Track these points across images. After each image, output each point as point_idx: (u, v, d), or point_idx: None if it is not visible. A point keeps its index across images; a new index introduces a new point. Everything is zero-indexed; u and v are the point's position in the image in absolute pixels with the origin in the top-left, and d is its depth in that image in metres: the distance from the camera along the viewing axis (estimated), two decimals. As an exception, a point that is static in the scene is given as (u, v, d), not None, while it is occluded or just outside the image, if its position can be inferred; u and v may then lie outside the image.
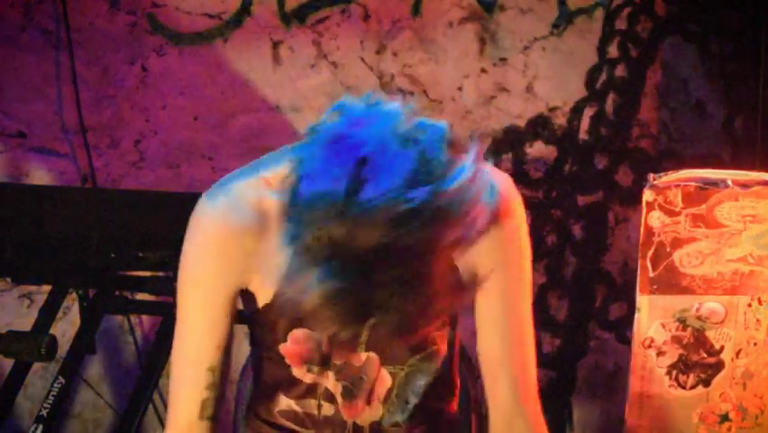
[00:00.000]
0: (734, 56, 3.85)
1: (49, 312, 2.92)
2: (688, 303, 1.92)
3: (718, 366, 1.94)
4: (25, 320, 3.38)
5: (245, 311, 1.81)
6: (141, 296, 3.15)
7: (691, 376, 1.94)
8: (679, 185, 1.86)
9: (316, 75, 3.64)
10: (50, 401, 2.76)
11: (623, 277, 3.79)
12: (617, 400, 3.71)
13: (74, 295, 3.19)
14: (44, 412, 2.75)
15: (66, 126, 3.55)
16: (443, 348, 1.77)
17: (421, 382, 1.77)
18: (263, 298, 1.74)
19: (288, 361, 1.77)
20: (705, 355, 1.93)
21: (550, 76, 3.81)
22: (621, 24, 3.82)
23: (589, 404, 3.71)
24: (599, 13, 3.82)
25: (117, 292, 3.02)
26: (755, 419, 1.93)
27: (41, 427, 2.74)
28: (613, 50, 3.83)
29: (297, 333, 1.74)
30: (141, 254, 2.84)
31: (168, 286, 2.82)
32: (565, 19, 3.78)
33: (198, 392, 1.76)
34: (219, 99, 3.63)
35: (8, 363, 2.93)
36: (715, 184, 1.88)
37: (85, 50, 3.53)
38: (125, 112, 3.58)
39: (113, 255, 2.80)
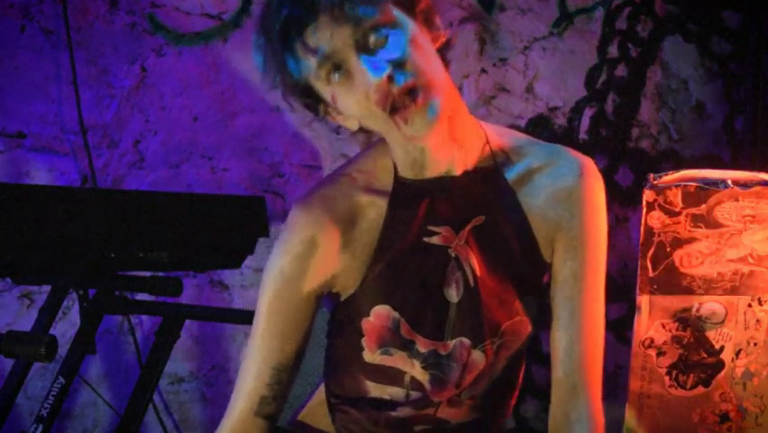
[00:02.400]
0: (734, 56, 3.85)
1: (49, 312, 2.92)
2: (688, 303, 1.92)
3: (718, 366, 1.94)
4: (25, 320, 3.38)
5: (325, 307, 1.81)
6: (141, 296, 3.15)
7: (691, 376, 1.94)
8: (679, 185, 1.86)
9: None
10: (50, 401, 2.76)
11: (623, 277, 3.79)
12: (616, 400, 3.71)
13: (74, 295, 3.19)
14: (44, 412, 2.76)
15: (66, 126, 3.55)
16: (527, 319, 1.76)
17: (507, 353, 1.77)
18: (349, 290, 1.73)
19: (364, 342, 1.74)
20: (705, 355, 1.93)
21: (550, 76, 3.81)
22: (621, 24, 3.83)
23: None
24: (599, 13, 3.83)
25: (117, 292, 3.02)
26: (755, 418, 1.93)
27: (41, 427, 2.74)
28: (613, 50, 3.83)
29: (381, 309, 1.71)
30: (141, 254, 2.85)
31: (168, 286, 2.82)
32: (565, 19, 3.78)
33: (260, 388, 1.73)
34: (219, 99, 3.63)
35: (8, 363, 2.93)
36: (715, 184, 1.88)
37: (85, 50, 3.53)
38: (125, 112, 3.58)
39: (113, 255, 2.80)
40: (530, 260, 1.74)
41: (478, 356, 1.74)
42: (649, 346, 1.94)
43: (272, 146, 3.67)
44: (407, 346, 1.72)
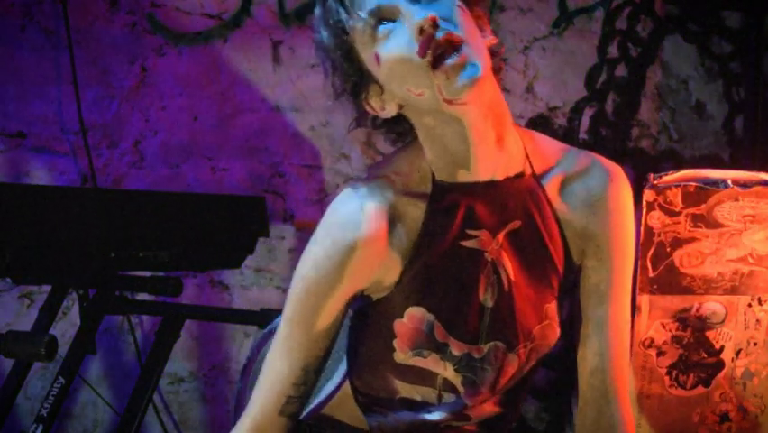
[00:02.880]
0: (734, 56, 3.85)
1: (49, 312, 2.92)
2: (688, 303, 1.92)
3: (718, 366, 1.94)
4: (25, 320, 3.38)
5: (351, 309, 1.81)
6: (141, 296, 3.15)
7: (691, 376, 1.94)
8: (679, 185, 1.86)
9: (316, 75, 3.64)
10: (50, 401, 2.76)
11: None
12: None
13: (74, 295, 3.19)
14: (44, 412, 2.75)
15: (66, 126, 3.55)
16: (557, 323, 1.77)
17: (536, 357, 1.77)
18: (382, 291, 1.72)
19: (396, 343, 1.73)
20: (705, 355, 1.93)
21: (550, 76, 3.81)
22: (621, 24, 3.82)
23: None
24: (599, 13, 3.83)
25: (117, 292, 3.02)
26: (755, 418, 1.93)
27: (41, 427, 2.74)
28: (613, 50, 3.83)
29: (415, 311, 1.71)
30: (141, 254, 2.84)
31: (168, 286, 2.82)
32: (565, 19, 3.78)
33: (287, 388, 1.73)
34: (219, 99, 3.63)
35: (8, 363, 2.93)
36: (715, 184, 1.88)
37: (85, 50, 3.53)
38: (125, 112, 3.58)
39: (113, 255, 2.80)
40: (561, 265, 1.75)
41: (511, 360, 1.75)
42: (649, 346, 1.94)
43: (272, 146, 3.67)
44: (441, 349, 1.72)
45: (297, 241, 3.69)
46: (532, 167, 1.74)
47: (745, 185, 1.86)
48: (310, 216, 3.70)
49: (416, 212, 1.70)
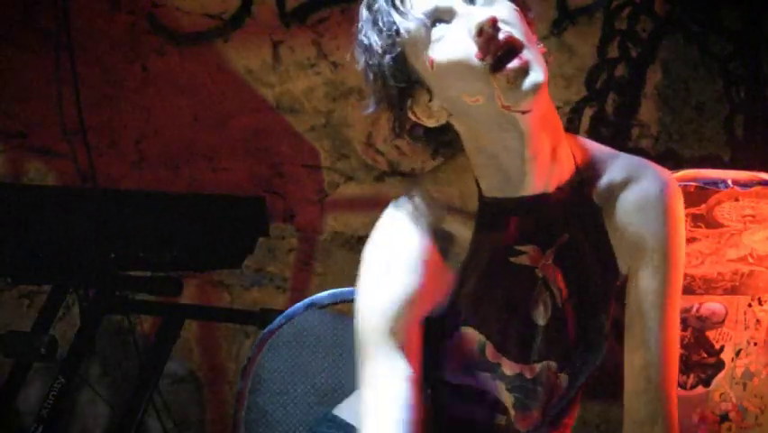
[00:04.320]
0: (734, 56, 3.85)
1: (49, 312, 2.92)
2: (688, 303, 1.92)
3: (718, 366, 1.94)
4: (25, 320, 3.38)
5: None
6: (141, 296, 3.15)
7: (691, 376, 1.94)
8: (679, 185, 1.86)
9: (316, 75, 3.64)
10: (50, 401, 2.76)
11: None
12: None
13: (74, 295, 3.19)
14: (44, 412, 2.75)
15: (66, 126, 3.54)
16: (603, 337, 1.72)
17: (586, 373, 1.74)
18: (434, 311, 1.66)
19: (446, 362, 1.68)
20: (705, 355, 1.93)
21: (550, 76, 3.80)
22: (621, 24, 3.82)
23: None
24: (599, 14, 3.82)
25: (117, 292, 3.02)
26: (755, 418, 1.93)
27: (41, 427, 2.74)
28: (613, 50, 3.83)
29: (467, 331, 1.66)
30: (141, 254, 2.85)
31: (168, 286, 2.82)
32: (565, 19, 3.78)
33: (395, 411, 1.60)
34: (219, 99, 3.63)
35: (8, 363, 2.93)
36: (715, 184, 1.88)
37: (85, 50, 3.53)
38: (125, 112, 3.58)
39: (113, 255, 2.80)
40: (610, 277, 1.69)
41: (563, 379, 1.71)
42: (649, 346, 1.94)
43: (272, 146, 3.67)
44: (493, 369, 1.68)
45: (297, 241, 3.69)
46: (581, 175, 1.66)
47: (745, 185, 1.86)
48: (310, 216, 3.70)
49: (464, 231, 1.63)
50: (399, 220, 1.64)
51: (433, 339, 1.66)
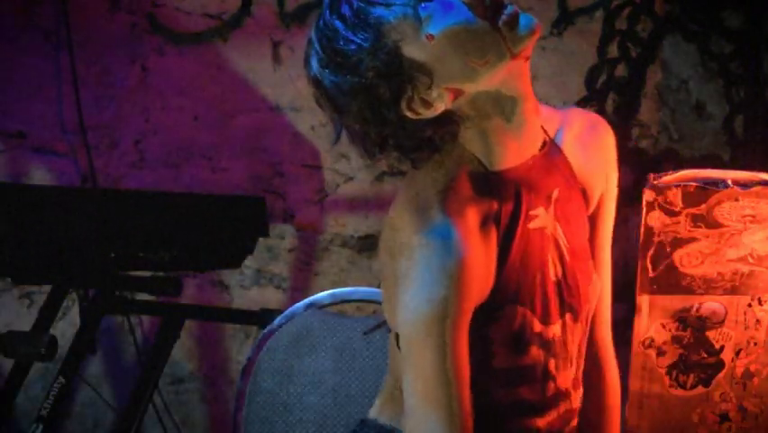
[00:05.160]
0: (734, 56, 3.85)
1: (49, 312, 2.92)
2: (688, 303, 1.92)
3: (718, 366, 1.93)
4: (25, 320, 3.38)
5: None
6: (141, 296, 3.15)
7: (691, 376, 1.94)
8: (679, 185, 1.86)
9: (316, 75, 3.64)
10: (50, 401, 2.76)
11: (623, 277, 3.79)
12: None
13: (74, 295, 3.19)
14: (44, 412, 2.76)
15: (66, 126, 3.55)
16: (596, 278, 1.80)
17: (589, 320, 1.80)
18: (481, 301, 1.65)
19: (494, 348, 1.67)
20: (705, 355, 1.93)
21: (550, 76, 3.81)
22: (621, 24, 3.82)
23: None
24: (599, 14, 3.83)
25: (117, 292, 3.02)
26: (755, 419, 1.93)
27: (41, 427, 2.74)
28: (613, 50, 3.83)
29: (511, 309, 1.66)
30: (141, 254, 2.85)
31: (168, 286, 2.82)
32: (565, 19, 3.78)
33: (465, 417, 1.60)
34: (219, 99, 3.63)
35: (8, 363, 2.93)
36: (715, 184, 1.87)
37: (85, 50, 3.53)
38: (125, 112, 3.58)
39: (113, 255, 2.80)
40: (584, 216, 1.78)
41: (579, 328, 1.75)
42: (649, 346, 1.94)
43: (272, 146, 3.67)
44: (537, 339, 1.69)
45: (297, 241, 3.69)
46: (546, 132, 1.72)
47: (745, 185, 1.85)
48: (310, 216, 3.70)
49: (491, 212, 1.64)
50: (437, 220, 1.60)
51: (476, 330, 1.64)
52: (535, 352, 1.70)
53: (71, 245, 2.75)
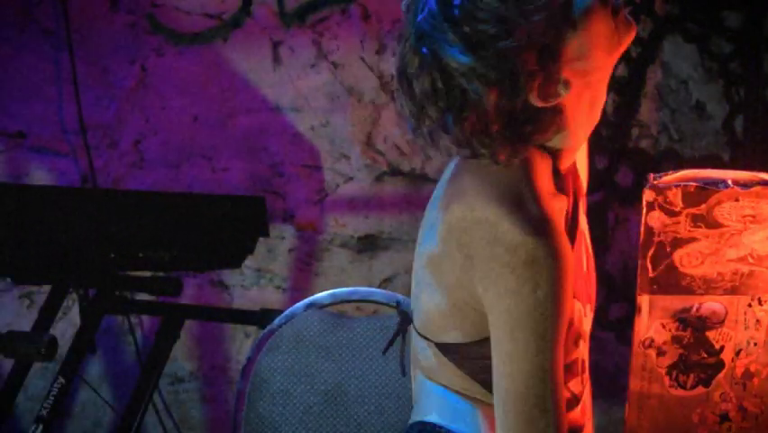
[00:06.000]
0: (734, 56, 3.85)
1: (49, 312, 2.92)
2: (688, 303, 1.92)
3: (718, 366, 1.93)
4: (25, 320, 3.38)
5: None
6: (141, 296, 3.15)
7: (691, 376, 1.94)
8: (679, 185, 1.86)
9: (316, 75, 3.64)
10: (50, 401, 2.76)
11: (623, 277, 3.79)
12: (617, 400, 3.72)
13: (74, 295, 3.19)
14: (44, 412, 2.76)
15: (66, 126, 3.55)
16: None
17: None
18: None
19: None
20: (705, 355, 1.93)
21: (550, 76, 3.81)
22: (621, 24, 3.82)
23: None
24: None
25: (117, 292, 3.02)
26: (755, 419, 1.93)
27: (41, 427, 2.74)
28: (613, 50, 3.82)
29: (574, 304, 1.66)
30: (141, 254, 2.85)
31: (168, 286, 2.82)
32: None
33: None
34: (219, 99, 3.63)
35: (8, 363, 2.93)
36: (715, 184, 1.87)
37: (85, 50, 3.53)
38: (125, 112, 3.58)
39: (113, 255, 2.80)
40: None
41: (590, 321, 1.77)
42: (649, 346, 1.94)
43: (272, 146, 3.67)
44: (584, 332, 1.72)
45: (297, 241, 3.69)
46: None
47: (745, 185, 1.85)
48: (310, 216, 3.70)
49: (562, 211, 1.64)
50: (540, 220, 1.56)
51: None
52: (582, 344, 1.72)
53: (71, 245, 2.75)
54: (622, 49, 1.61)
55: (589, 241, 1.76)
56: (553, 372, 1.57)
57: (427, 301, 1.65)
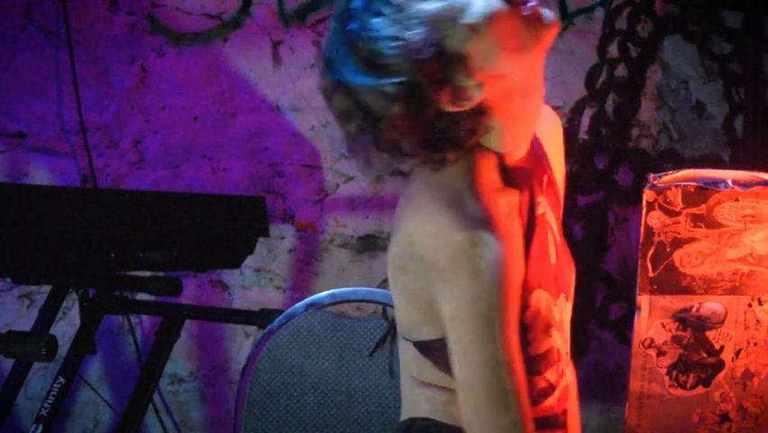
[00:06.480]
0: (734, 56, 3.85)
1: (49, 312, 2.92)
2: (688, 303, 1.92)
3: (718, 366, 1.93)
4: (25, 320, 3.38)
5: None
6: (141, 296, 3.15)
7: (691, 376, 1.94)
8: (679, 185, 1.86)
9: (316, 75, 3.63)
10: (50, 401, 2.76)
11: (623, 277, 3.79)
12: (617, 400, 3.71)
13: (74, 295, 3.19)
14: (44, 412, 2.76)
15: (66, 126, 3.55)
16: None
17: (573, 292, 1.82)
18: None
19: (530, 336, 1.68)
20: (705, 355, 1.93)
21: (550, 76, 3.80)
22: (621, 24, 3.82)
23: (589, 404, 3.71)
24: (599, 14, 3.83)
25: (117, 292, 3.02)
26: (755, 419, 1.93)
27: (40, 427, 2.74)
28: (613, 50, 3.83)
29: (538, 295, 1.68)
30: (141, 254, 2.85)
31: (168, 286, 2.82)
32: (565, 19, 3.78)
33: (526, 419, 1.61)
34: (219, 99, 3.63)
35: (8, 363, 2.93)
36: (715, 184, 1.88)
37: (85, 50, 3.53)
38: (125, 112, 3.58)
39: (113, 255, 2.80)
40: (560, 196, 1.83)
41: (570, 307, 1.78)
42: (649, 346, 1.94)
43: (272, 146, 3.67)
44: (554, 321, 1.72)
45: (297, 241, 3.69)
46: None
47: (745, 185, 1.86)
48: (310, 216, 3.70)
49: (514, 204, 1.67)
50: (478, 219, 1.60)
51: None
52: (555, 334, 1.73)
53: (71, 245, 2.75)
54: (543, 44, 1.62)
55: (558, 231, 1.77)
56: (508, 362, 1.59)
57: (399, 304, 1.69)
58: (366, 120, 1.61)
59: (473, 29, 1.57)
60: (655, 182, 1.91)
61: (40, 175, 3.52)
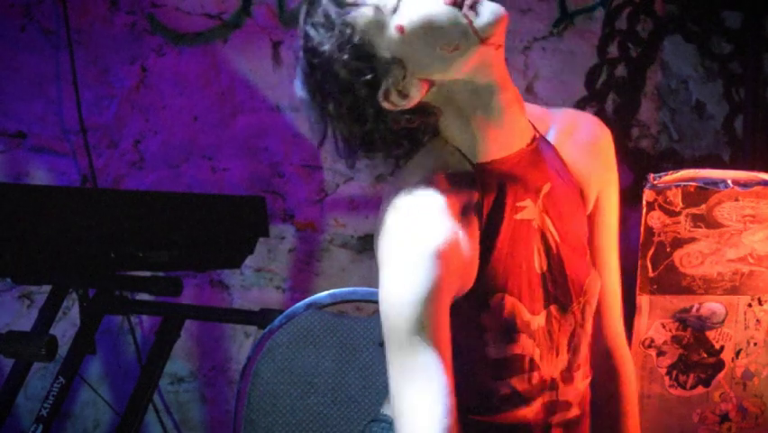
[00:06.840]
0: (734, 56, 3.85)
1: (49, 312, 2.92)
2: (688, 303, 1.92)
3: (718, 366, 1.94)
4: (25, 320, 3.38)
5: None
6: (141, 296, 3.15)
7: (691, 376, 1.94)
8: (679, 185, 1.87)
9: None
10: (50, 401, 2.76)
11: (623, 277, 3.79)
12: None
13: (74, 295, 3.19)
14: (44, 412, 2.75)
15: (66, 126, 3.55)
16: (596, 272, 1.81)
17: (590, 310, 1.79)
18: (465, 288, 1.68)
19: (487, 337, 1.70)
20: (705, 355, 1.93)
21: (550, 76, 3.81)
22: (621, 24, 3.83)
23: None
24: (599, 14, 3.83)
25: (117, 292, 3.02)
26: (755, 419, 1.93)
27: (41, 427, 2.74)
28: (613, 50, 3.83)
29: (499, 298, 1.69)
30: (141, 254, 2.84)
31: (168, 286, 2.82)
32: (565, 19, 3.78)
33: (443, 414, 1.58)
34: (219, 99, 3.63)
35: (8, 363, 2.93)
36: (715, 184, 1.88)
37: (85, 50, 3.53)
38: (125, 112, 3.58)
39: (113, 255, 2.80)
40: (582, 213, 1.80)
41: (568, 320, 1.76)
42: (649, 346, 1.94)
43: (272, 146, 3.67)
44: (526, 329, 1.71)
45: (297, 241, 3.69)
46: (536, 130, 1.74)
47: (745, 185, 1.86)
48: (310, 216, 3.70)
49: (471, 202, 1.67)
50: (413, 207, 1.63)
51: (468, 318, 1.67)
52: (525, 341, 1.72)
53: (71, 245, 2.75)
54: (490, 37, 1.61)
55: (560, 242, 1.75)
56: (426, 350, 1.58)
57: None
58: (318, 119, 1.81)
59: (403, 31, 1.61)
60: (655, 182, 1.91)
61: (40, 175, 3.52)
